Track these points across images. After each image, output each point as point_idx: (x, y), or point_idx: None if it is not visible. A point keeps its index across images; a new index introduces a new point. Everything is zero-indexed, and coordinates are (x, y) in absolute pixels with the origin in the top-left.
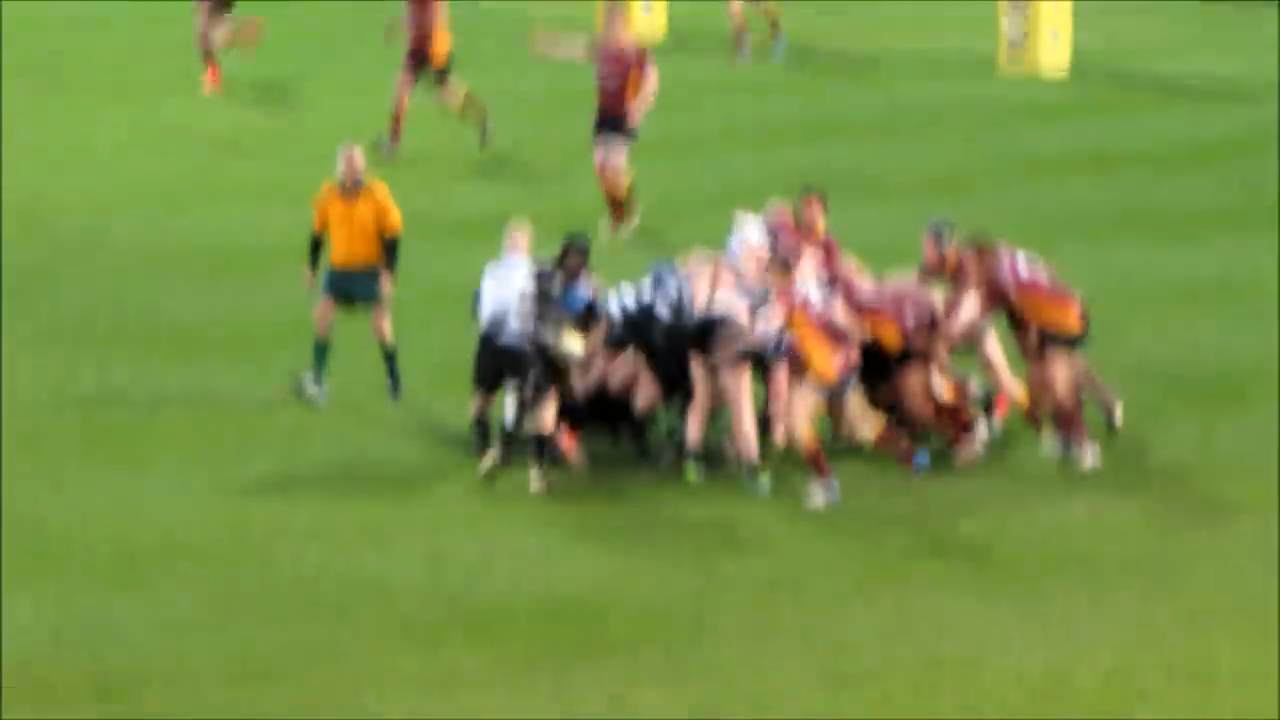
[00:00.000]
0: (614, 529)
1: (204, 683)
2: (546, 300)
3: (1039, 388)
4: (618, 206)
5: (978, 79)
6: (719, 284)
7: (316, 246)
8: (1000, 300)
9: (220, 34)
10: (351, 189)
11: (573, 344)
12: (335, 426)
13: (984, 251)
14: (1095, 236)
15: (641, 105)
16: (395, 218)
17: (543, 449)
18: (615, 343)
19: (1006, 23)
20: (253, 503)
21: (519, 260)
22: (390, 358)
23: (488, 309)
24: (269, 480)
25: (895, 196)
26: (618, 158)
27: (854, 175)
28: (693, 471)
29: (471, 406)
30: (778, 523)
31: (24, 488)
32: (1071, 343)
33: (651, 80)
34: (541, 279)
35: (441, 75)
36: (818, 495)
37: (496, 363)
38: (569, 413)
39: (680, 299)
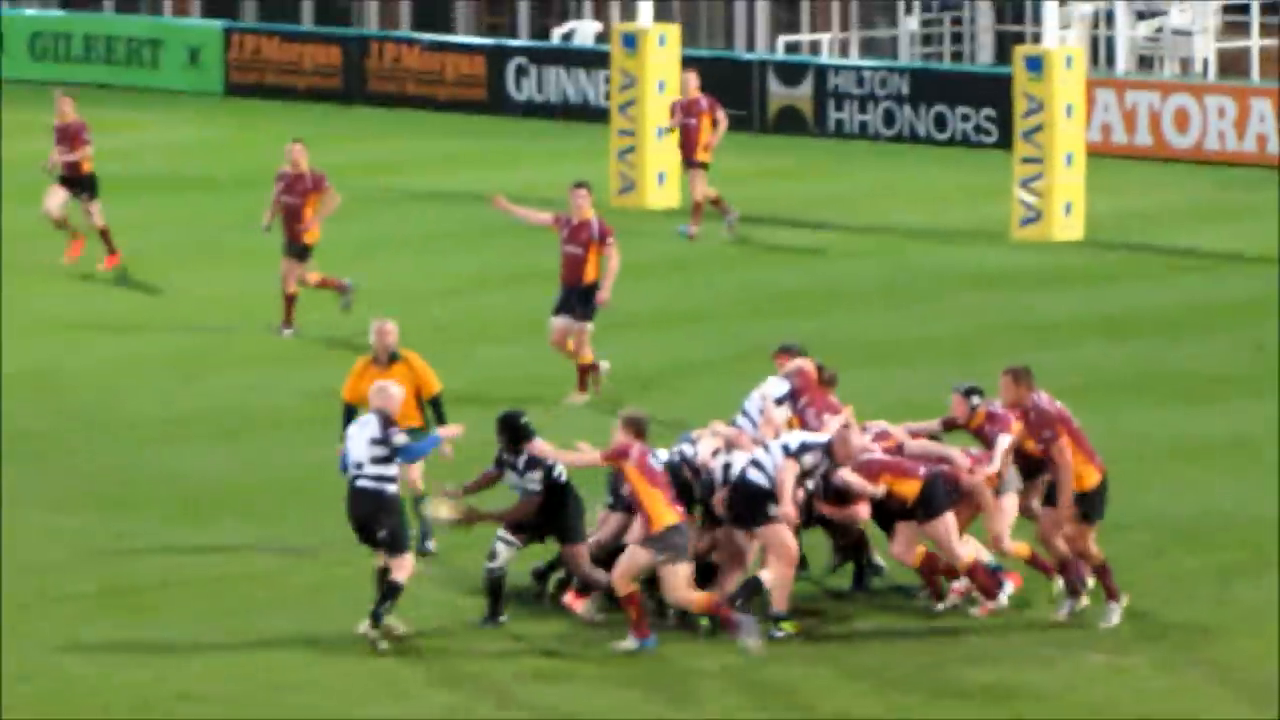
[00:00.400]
0: (633, 680)
1: None
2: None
3: (1050, 532)
4: (584, 372)
5: (990, 246)
6: (733, 449)
7: (349, 417)
8: (1041, 427)
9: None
10: (386, 361)
11: (439, 510)
12: (355, 580)
13: (1020, 377)
14: (1109, 399)
15: (609, 281)
16: (433, 380)
17: (391, 595)
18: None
19: (1020, 194)
20: (269, 656)
21: (373, 416)
22: (420, 504)
23: (350, 456)
24: (286, 634)
25: (904, 362)
26: (583, 332)
27: (859, 341)
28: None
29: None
30: (797, 671)
31: (41, 642)
32: (1091, 499)
33: (615, 259)
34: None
35: (304, 252)
36: (625, 644)
37: (354, 504)
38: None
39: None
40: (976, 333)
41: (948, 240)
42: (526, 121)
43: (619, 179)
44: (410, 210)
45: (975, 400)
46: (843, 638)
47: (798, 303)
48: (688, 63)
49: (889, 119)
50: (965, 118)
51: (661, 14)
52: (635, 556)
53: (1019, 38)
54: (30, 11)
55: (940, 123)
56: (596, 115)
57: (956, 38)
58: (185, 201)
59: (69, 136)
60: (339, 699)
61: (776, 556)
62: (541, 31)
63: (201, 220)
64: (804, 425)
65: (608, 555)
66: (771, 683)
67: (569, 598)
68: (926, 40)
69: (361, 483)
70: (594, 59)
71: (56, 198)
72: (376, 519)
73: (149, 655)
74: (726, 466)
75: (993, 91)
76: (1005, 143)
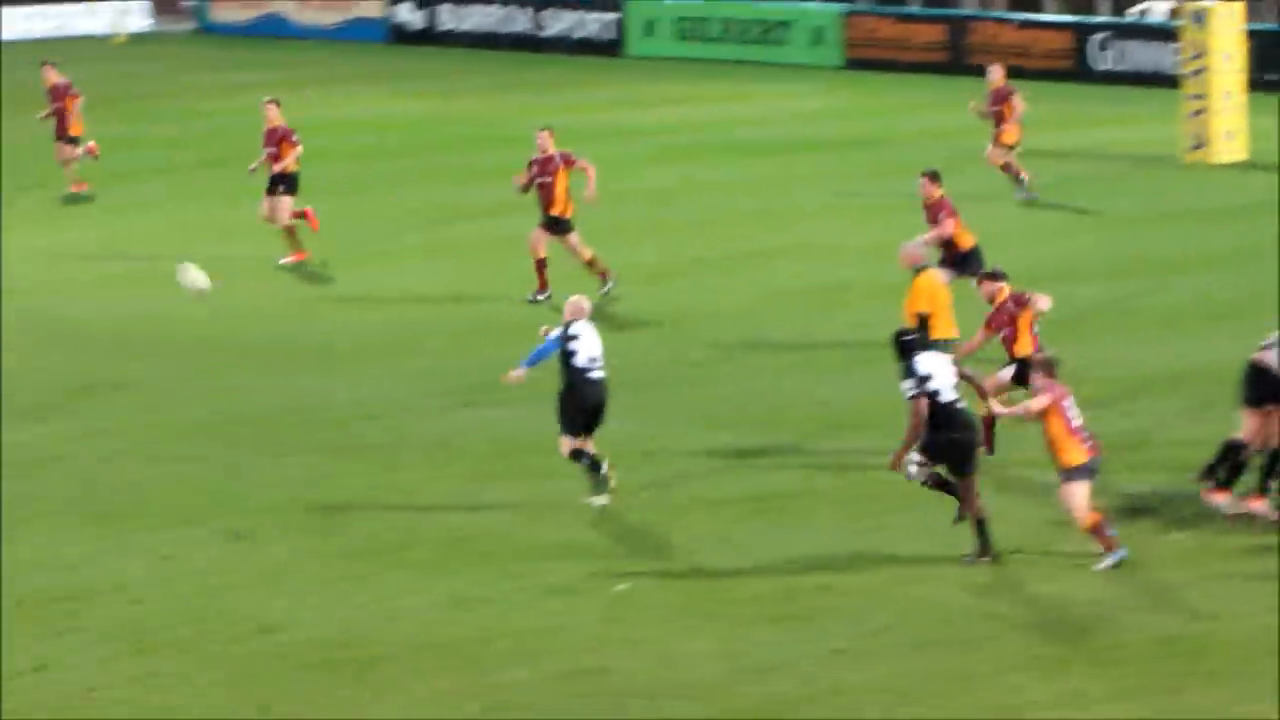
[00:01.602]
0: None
1: (862, 706)
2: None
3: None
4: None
5: None
6: None
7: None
8: None
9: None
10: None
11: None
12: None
13: None
14: None
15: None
16: (912, 303)
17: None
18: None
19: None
20: (897, 556)
21: (587, 324)
22: None
23: (584, 357)
24: (910, 538)
25: None
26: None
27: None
28: None
29: (564, 445)
30: None
31: (694, 536)
32: None
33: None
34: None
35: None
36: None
37: (594, 393)
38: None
39: None
40: None
41: None
42: (1107, 89)
43: (1190, 138)
44: None
45: None
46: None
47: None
48: (1249, 35)
49: None
50: None
51: None
52: (1073, 491)
53: None
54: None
55: None
56: (1169, 82)
57: None
58: (813, 161)
59: (276, 140)
60: (955, 586)
61: None
62: (1120, 9)
63: (828, 177)
64: None
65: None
66: None
67: (1218, 496)
68: None
69: (596, 374)
70: (1167, 33)
71: (268, 204)
72: (605, 405)
73: (795, 551)
74: None
75: None
76: None
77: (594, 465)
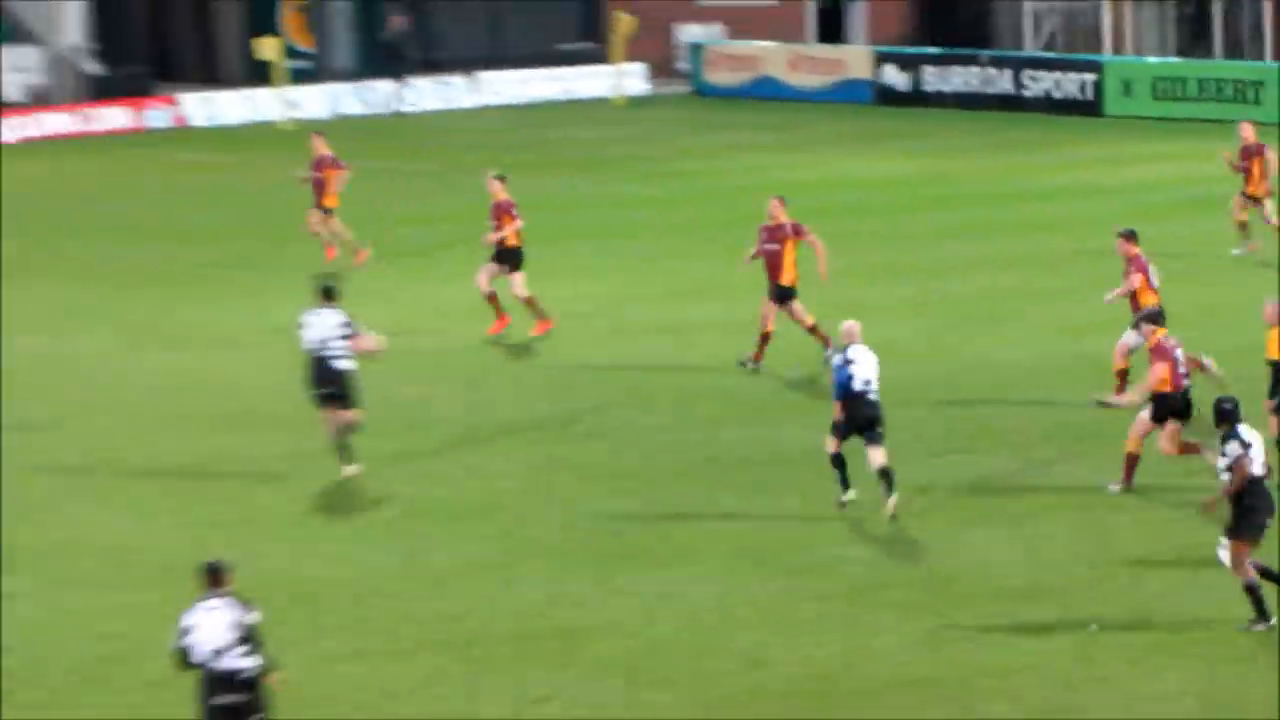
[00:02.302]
0: None
1: None
2: None
3: None
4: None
5: None
6: None
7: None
8: None
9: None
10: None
11: None
12: None
13: None
14: None
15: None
16: (1271, 351)
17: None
18: None
19: None
20: None
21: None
22: None
23: (860, 380)
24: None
25: None
26: None
27: None
28: None
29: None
30: None
31: (1165, 586)
32: None
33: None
34: None
35: (784, 294)
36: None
37: (868, 409)
38: None
39: None
40: None
41: None
42: None
43: None
44: None
45: None
46: None
47: None
48: None
49: None
50: None
51: None
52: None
53: None
54: (1152, 59)
55: None
56: None
57: None
58: None
59: (498, 214)
60: None
61: None
62: None
63: None
64: None
65: None
66: None
67: None
68: None
69: (873, 396)
70: None
71: (485, 272)
72: (880, 420)
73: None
74: None
75: None
76: None
77: (884, 475)
